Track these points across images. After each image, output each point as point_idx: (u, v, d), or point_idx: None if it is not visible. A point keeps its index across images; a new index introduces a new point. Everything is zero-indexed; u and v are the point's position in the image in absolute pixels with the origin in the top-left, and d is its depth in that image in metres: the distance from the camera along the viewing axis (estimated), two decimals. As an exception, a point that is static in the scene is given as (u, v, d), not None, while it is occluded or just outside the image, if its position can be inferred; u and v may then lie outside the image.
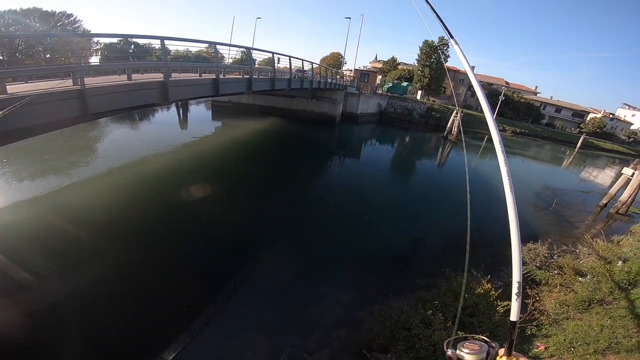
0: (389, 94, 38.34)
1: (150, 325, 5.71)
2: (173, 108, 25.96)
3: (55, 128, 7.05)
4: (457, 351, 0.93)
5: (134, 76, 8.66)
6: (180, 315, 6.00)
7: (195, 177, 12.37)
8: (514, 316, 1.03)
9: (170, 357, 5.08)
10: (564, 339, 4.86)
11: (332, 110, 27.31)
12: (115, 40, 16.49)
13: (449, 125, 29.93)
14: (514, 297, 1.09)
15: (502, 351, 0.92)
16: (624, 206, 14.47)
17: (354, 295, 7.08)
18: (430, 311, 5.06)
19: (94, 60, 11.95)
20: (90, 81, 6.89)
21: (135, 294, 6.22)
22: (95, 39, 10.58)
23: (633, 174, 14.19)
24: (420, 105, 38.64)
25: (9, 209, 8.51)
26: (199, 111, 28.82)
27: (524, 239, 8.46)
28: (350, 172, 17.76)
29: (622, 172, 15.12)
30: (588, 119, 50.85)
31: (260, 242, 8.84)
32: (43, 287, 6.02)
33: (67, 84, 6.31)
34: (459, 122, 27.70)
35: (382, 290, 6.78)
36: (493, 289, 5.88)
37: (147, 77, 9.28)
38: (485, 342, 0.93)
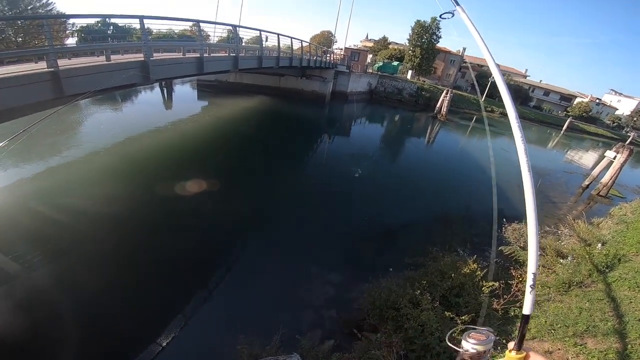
0: (379, 73, 38.08)
1: (142, 309, 5.69)
2: (157, 89, 24.94)
3: (33, 111, 6.84)
4: (463, 342, 0.89)
5: (114, 57, 8.30)
6: (172, 299, 6.01)
7: (182, 157, 12.20)
8: (527, 309, 0.97)
9: (165, 342, 5.13)
10: (545, 321, 5.09)
11: (322, 89, 27.13)
12: (92, 21, 15.46)
13: (438, 105, 30.32)
14: (527, 289, 1.01)
15: (511, 345, 0.87)
16: (604, 188, 15.03)
17: (345, 275, 7.21)
18: (419, 291, 5.17)
19: (71, 42, 11.13)
20: (66, 63, 6.82)
21: (125, 278, 6.14)
22: (71, 21, 9.90)
23: (615, 157, 14.66)
24: (410, 85, 38.52)
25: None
26: (184, 91, 27.84)
27: (509, 219, 8.71)
28: (340, 150, 17.71)
29: (604, 154, 15.59)
30: (575, 103, 52.10)
31: (249, 223, 8.82)
32: (32, 276, 5.89)
33: (41, 66, 6.25)
34: (448, 102, 28.06)
35: (371, 270, 6.91)
36: (479, 269, 6.01)
37: (128, 58, 8.92)
38: (490, 331, 0.89)
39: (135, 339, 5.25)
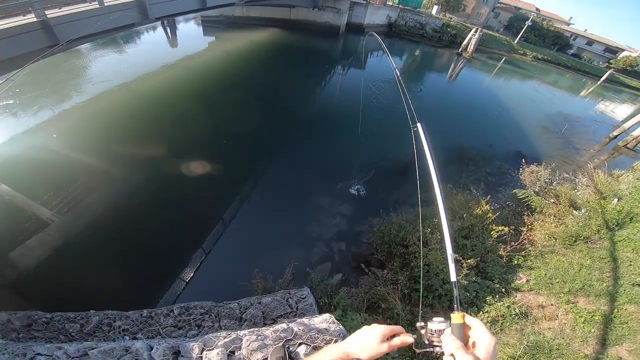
0: (400, 6, 34.68)
1: (164, 248, 6.06)
2: (160, 29, 23.42)
3: (34, 59, 6.86)
4: (430, 324, 0.98)
5: (108, 0, 8.00)
6: (191, 235, 6.36)
7: (191, 91, 11.96)
8: (453, 277, 1.06)
9: (188, 276, 5.58)
10: (545, 274, 5.16)
11: (336, 20, 25.41)
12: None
13: (465, 42, 27.91)
14: (449, 259, 1.12)
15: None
16: (634, 141, 14.09)
17: (356, 208, 7.29)
18: (429, 229, 5.19)
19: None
20: (58, 12, 6.99)
21: (145, 215, 6.48)
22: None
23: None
24: (434, 20, 34.97)
25: (8, 142, 8.25)
26: (189, 28, 26.02)
27: (528, 160, 8.36)
28: (354, 83, 16.82)
29: (642, 109, 14.31)
30: (620, 56, 46.92)
31: (260, 155, 8.85)
32: (61, 220, 6.19)
33: (30, 18, 6.48)
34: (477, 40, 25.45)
35: (382, 204, 6.95)
36: (490, 211, 5.94)
37: None
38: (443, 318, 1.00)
39: (162, 276, 5.65)
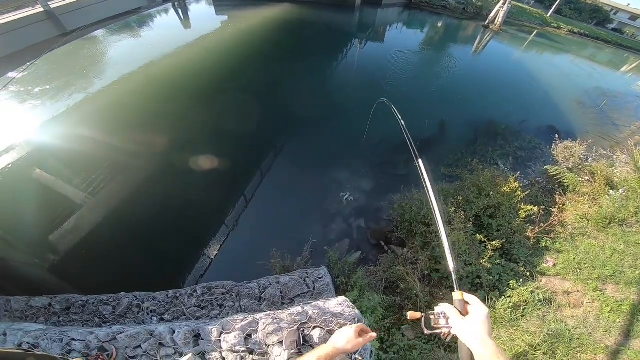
0: None
1: (189, 225, 6.21)
2: (172, 11, 23.31)
3: (50, 48, 7.46)
4: (435, 308, 1.18)
5: None
6: (211, 217, 6.46)
7: (205, 71, 11.91)
8: (451, 266, 1.24)
9: (211, 256, 5.71)
10: (574, 258, 4.80)
11: None
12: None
13: (492, 14, 25.96)
14: (446, 248, 1.29)
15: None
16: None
17: (376, 183, 7.11)
18: (453, 208, 4.93)
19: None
20: (62, 2, 7.11)
21: (168, 197, 6.60)
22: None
23: None
24: (458, -10, 32.33)
25: (38, 130, 8.47)
26: (201, 9, 25.73)
27: (562, 136, 7.81)
28: (372, 57, 16.14)
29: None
30: None
31: (279, 134, 8.77)
32: (93, 202, 6.45)
33: (37, 9, 6.67)
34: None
35: (404, 179, 6.71)
36: (519, 188, 5.57)
37: None
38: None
39: (186, 256, 5.83)
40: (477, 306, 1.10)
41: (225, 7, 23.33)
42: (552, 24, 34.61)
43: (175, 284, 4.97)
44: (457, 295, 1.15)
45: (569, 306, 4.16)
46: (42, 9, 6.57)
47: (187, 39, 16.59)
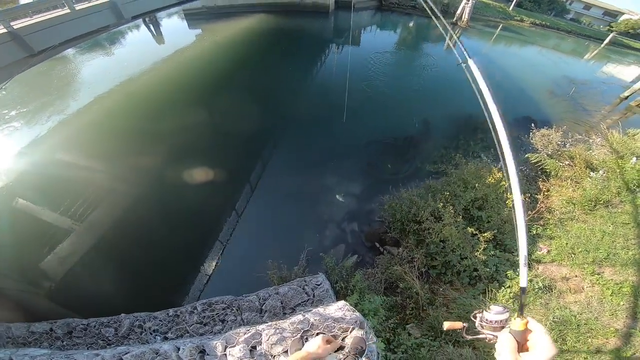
0: None
1: (182, 244, 6.07)
2: (143, 28, 22.93)
3: (14, 72, 7.11)
4: (485, 313, 1.03)
5: (79, 6, 7.87)
6: (204, 233, 6.34)
7: (185, 85, 11.78)
8: (523, 282, 1.09)
9: (208, 272, 5.60)
10: (566, 244, 4.90)
11: None
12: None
13: (458, 12, 26.99)
14: (521, 264, 1.11)
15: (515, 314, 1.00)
16: (648, 100, 13.57)
17: (365, 186, 7.15)
18: (441, 204, 4.99)
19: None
20: (27, 21, 6.89)
21: (157, 216, 6.45)
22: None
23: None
24: (425, -10, 33.54)
25: (14, 157, 8.13)
26: (173, 24, 25.45)
27: (538, 125, 8.11)
28: (351, 60, 16.16)
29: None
30: (621, 19, 45.51)
31: (265, 145, 8.70)
32: (82, 227, 6.22)
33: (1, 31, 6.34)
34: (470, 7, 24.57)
35: (392, 180, 6.78)
36: (504, 179, 5.72)
37: (95, 2, 8.38)
38: (504, 306, 1.03)
39: (183, 274, 5.73)
40: (542, 340, 0.89)
41: (197, 21, 23.18)
42: (515, 17, 36.18)
43: (175, 303, 4.81)
44: (518, 324, 0.93)
45: (570, 292, 4.20)
46: (5, 30, 6.28)
47: (162, 55, 16.32)
